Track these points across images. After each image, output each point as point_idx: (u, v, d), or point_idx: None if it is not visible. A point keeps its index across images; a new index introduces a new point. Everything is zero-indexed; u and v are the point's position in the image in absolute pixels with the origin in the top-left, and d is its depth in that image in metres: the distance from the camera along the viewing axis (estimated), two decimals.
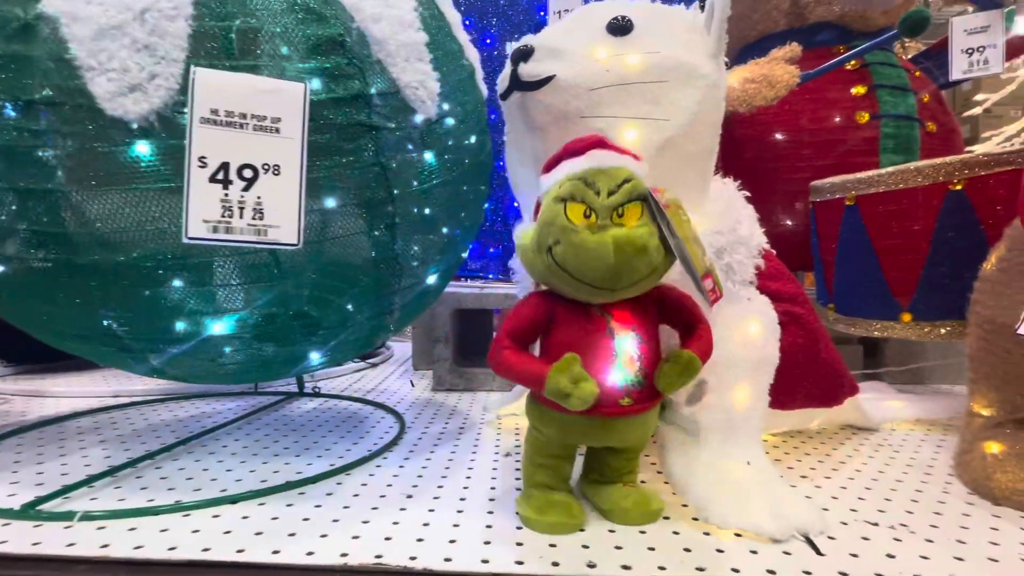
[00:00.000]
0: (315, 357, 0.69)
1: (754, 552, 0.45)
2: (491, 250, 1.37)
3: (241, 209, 0.46)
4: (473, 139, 0.68)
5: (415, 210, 0.59)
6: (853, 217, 0.91)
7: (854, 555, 0.44)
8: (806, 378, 0.63)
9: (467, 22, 1.32)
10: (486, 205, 1.34)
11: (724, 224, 0.58)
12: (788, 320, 0.61)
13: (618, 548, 0.45)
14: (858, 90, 1.16)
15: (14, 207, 0.46)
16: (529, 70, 0.52)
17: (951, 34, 1.15)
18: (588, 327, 0.47)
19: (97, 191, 0.46)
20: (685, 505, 0.53)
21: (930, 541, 0.47)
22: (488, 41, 1.33)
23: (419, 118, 0.57)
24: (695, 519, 0.50)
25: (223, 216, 0.46)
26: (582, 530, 0.48)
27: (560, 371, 0.44)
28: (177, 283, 0.50)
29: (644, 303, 0.49)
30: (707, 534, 0.48)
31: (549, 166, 0.49)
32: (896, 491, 0.58)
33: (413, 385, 1.11)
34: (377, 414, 0.88)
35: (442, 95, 0.60)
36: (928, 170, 0.80)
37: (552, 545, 0.46)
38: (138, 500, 0.54)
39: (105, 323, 0.54)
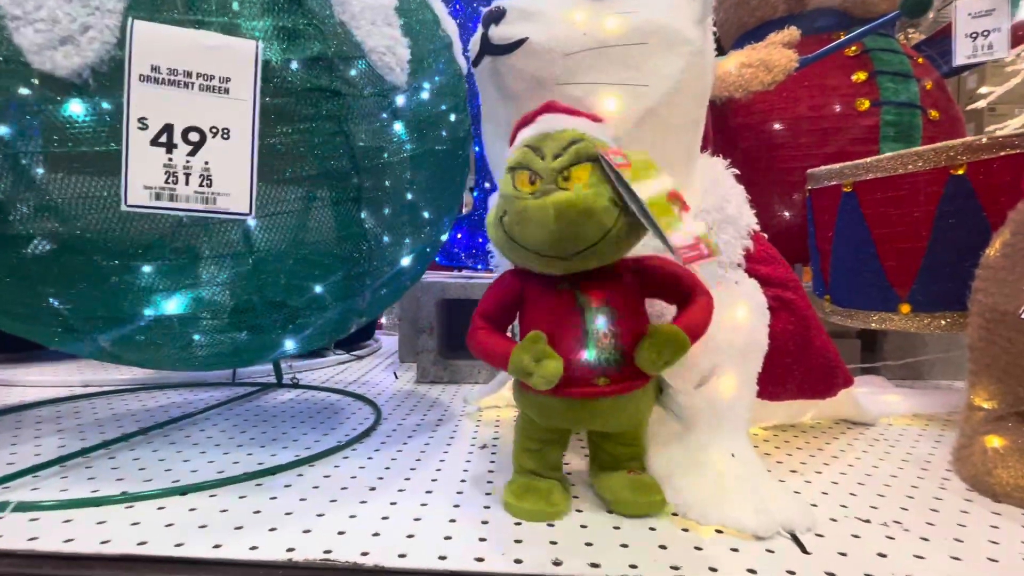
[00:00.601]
0: (289, 344, 0.66)
1: (735, 550, 0.41)
2: (480, 240, 1.34)
3: (187, 175, 0.43)
4: (450, 113, 0.65)
5: (384, 184, 0.56)
6: (851, 204, 0.87)
7: (843, 554, 0.41)
8: (797, 367, 0.60)
9: (457, 7, 1.28)
10: (476, 194, 1.31)
11: (710, 202, 0.54)
12: (778, 305, 0.57)
13: (588, 545, 0.42)
14: (858, 76, 1.13)
15: None
16: (500, 33, 0.48)
17: (954, 17, 1.11)
18: (557, 303, 0.45)
19: (27, 155, 0.42)
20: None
21: (925, 539, 0.44)
22: (477, 25, 1.29)
23: (387, 86, 0.54)
24: (674, 515, 0.47)
25: (167, 182, 0.42)
26: (563, 518, 0.46)
27: (523, 349, 0.42)
28: (120, 257, 0.47)
29: (620, 275, 0.46)
30: (686, 530, 0.44)
31: (511, 139, 0.47)
32: (890, 487, 0.54)
33: (397, 377, 1.08)
34: (355, 405, 0.85)
35: (414, 63, 0.56)
36: (929, 155, 0.77)
37: (517, 541, 0.42)
38: (82, 491, 0.50)
39: (49, 302, 0.50)
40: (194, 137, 0.42)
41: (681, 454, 0.50)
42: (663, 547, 0.42)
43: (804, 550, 0.41)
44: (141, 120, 0.40)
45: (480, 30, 0.51)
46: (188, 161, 0.42)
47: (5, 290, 0.47)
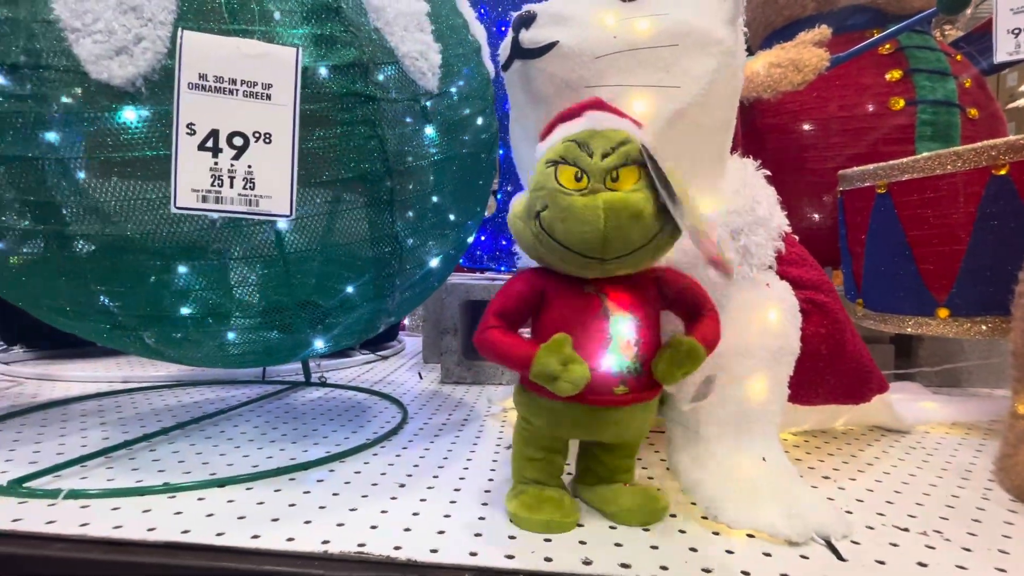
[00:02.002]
0: (319, 344, 0.68)
1: (767, 555, 0.41)
2: (504, 242, 1.35)
3: (231, 178, 0.45)
4: (478, 117, 0.66)
5: (414, 187, 0.57)
6: (885, 206, 0.85)
7: (880, 562, 0.40)
8: (830, 371, 0.58)
9: (481, 11, 1.30)
10: (499, 197, 1.31)
11: (741, 203, 0.54)
12: (811, 308, 0.56)
13: (617, 545, 0.42)
14: (893, 75, 1.10)
15: (3, 176, 0.46)
16: (531, 36, 0.49)
17: (995, 12, 1.07)
18: (581, 307, 0.43)
19: (84, 160, 0.45)
20: (693, 503, 0.49)
21: (967, 550, 0.42)
22: (503, 29, 1.31)
23: (419, 91, 0.55)
24: (704, 518, 0.47)
25: (212, 185, 0.44)
26: (580, 525, 0.45)
27: (549, 352, 0.40)
28: (168, 256, 0.49)
29: (644, 284, 0.45)
30: (716, 534, 0.44)
31: (545, 133, 0.46)
32: (929, 496, 0.53)
33: (421, 377, 1.09)
34: (381, 404, 0.86)
35: (444, 68, 0.58)
36: (969, 155, 0.75)
37: (547, 540, 0.42)
38: (127, 480, 0.52)
39: (101, 300, 0.53)
40: (238, 142, 0.44)
41: (711, 458, 0.50)
42: (694, 549, 0.41)
43: (840, 557, 0.40)
44: (189, 126, 0.42)
45: (510, 34, 0.51)
46: (232, 165, 0.44)
47: (59, 289, 0.50)
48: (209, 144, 0.43)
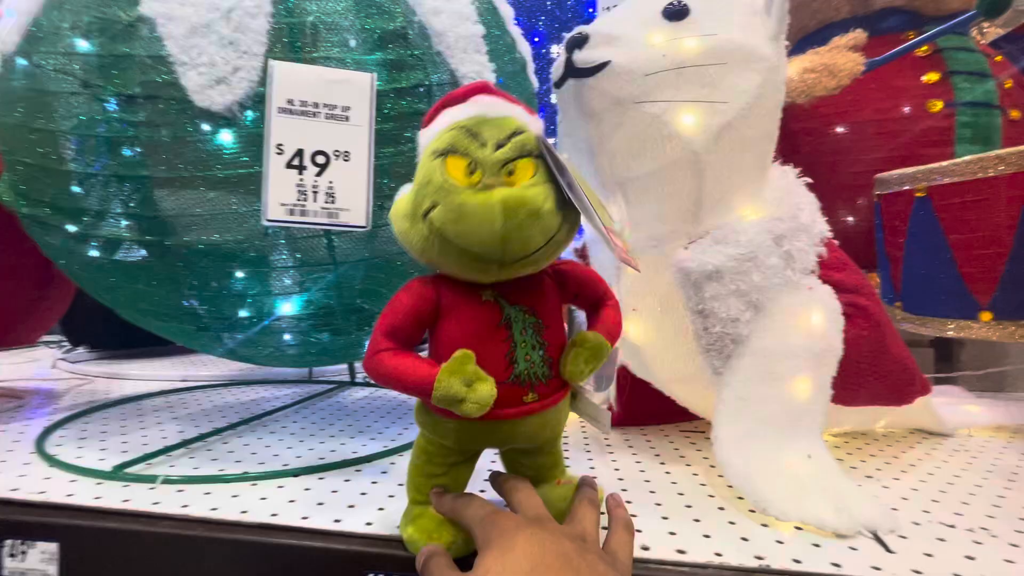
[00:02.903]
0: None
1: (816, 545, 0.43)
2: None
3: (315, 193, 0.50)
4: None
5: None
6: (924, 209, 0.85)
7: (928, 555, 0.42)
8: (872, 373, 0.60)
9: (515, 20, 1.34)
10: None
11: (784, 211, 0.56)
12: (853, 311, 0.58)
13: (671, 534, 0.44)
14: (930, 77, 1.09)
15: (114, 194, 0.51)
16: (584, 57, 0.52)
17: None
18: (481, 315, 0.38)
19: (186, 177, 0.50)
20: (740, 498, 0.51)
21: (1015, 546, 0.44)
22: (536, 39, 1.34)
23: None
24: (752, 511, 0.49)
25: (298, 199, 0.49)
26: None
27: (451, 372, 0.36)
28: (252, 265, 0.54)
29: (542, 281, 0.41)
30: (765, 526, 0.46)
31: (428, 120, 0.40)
32: (975, 496, 0.54)
33: None
34: None
35: (498, 86, 0.61)
36: (1012, 157, 0.75)
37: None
38: (210, 469, 0.57)
39: (185, 303, 0.58)
40: (320, 160, 0.49)
41: (757, 455, 0.52)
42: (745, 539, 0.44)
43: (888, 549, 0.42)
44: (278, 146, 0.47)
45: (563, 54, 0.55)
46: (316, 181, 0.49)
47: (155, 294, 0.55)
48: (295, 162, 0.48)
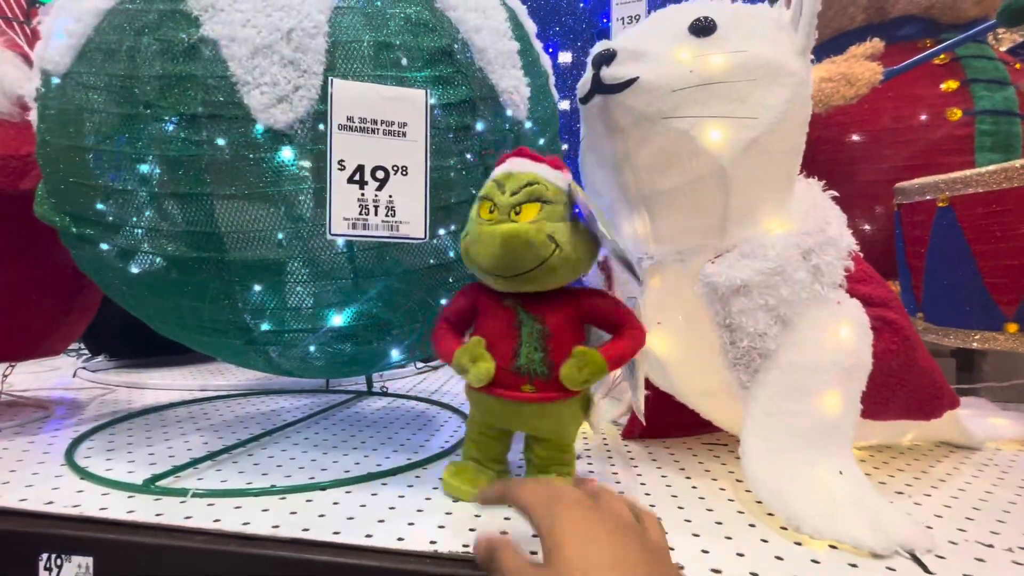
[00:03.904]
0: (395, 354, 0.72)
1: (853, 566, 0.42)
2: None
3: (376, 207, 0.51)
4: (549, 140, 0.70)
5: None
6: (947, 219, 0.85)
7: None
8: (902, 387, 0.59)
9: (551, 50, 1.35)
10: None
11: (811, 224, 0.56)
12: (881, 325, 0.57)
13: (704, 552, 0.44)
14: (948, 85, 1.09)
15: (175, 211, 0.52)
16: (612, 73, 0.52)
17: None
18: (501, 316, 0.52)
19: (248, 193, 0.51)
20: (771, 514, 0.51)
21: None
22: (550, 50, 1.35)
23: (513, 121, 0.60)
24: (784, 528, 0.48)
25: (360, 214, 0.51)
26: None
27: (464, 351, 0.51)
28: (309, 280, 0.55)
29: (560, 300, 0.52)
30: (799, 544, 0.46)
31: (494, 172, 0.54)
32: (1010, 513, 0.53)
33: None
34: (444, 414, 0.90)
35: (529, 100, 0.62)
36: None
37: None
38: (238, 482, 0.58)
39: (237, 317, 0.58)
40: (380, 175, 0.51)
41: (787, 471, 0.51)
42: (780, 558, 0.43)
43: (926, 570, 0.42)
44: (340, 162, 0.49)
45: (590, 71, 0.55)
46: (376, 195, 0.51)
47: (206, 309, 0.56)
48: (356, 177, 0.50)
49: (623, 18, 1.22)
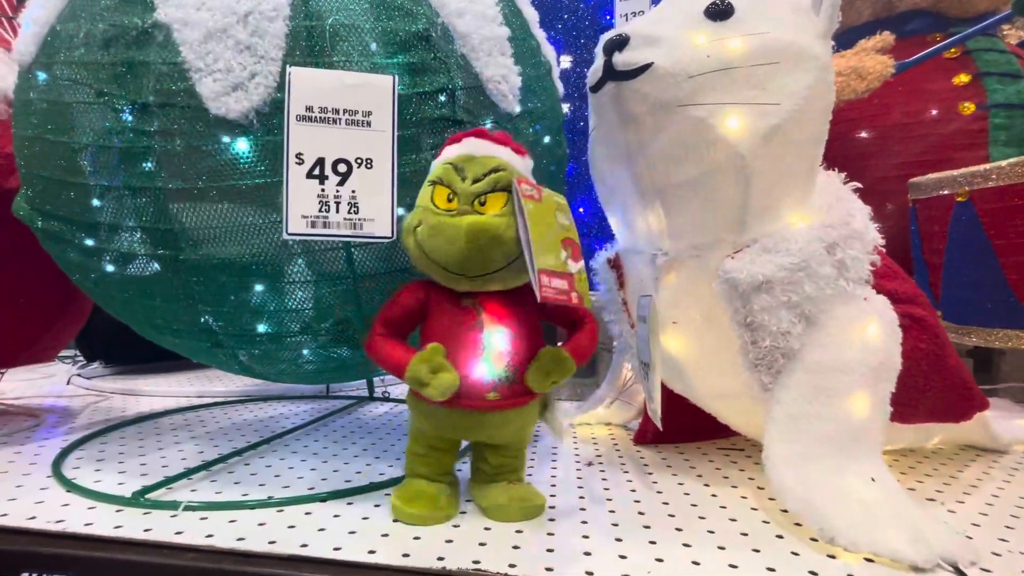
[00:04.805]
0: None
1: None
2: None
3: (337, 203, 0.47)
4: (549, 135, 0.67)
5: None
6: (966, 214, 0.82)
7: None
8: (931, 388, 0.56)
9: (556, 45, 1.32)
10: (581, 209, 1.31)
11: (835, 217, 0.53)
12: (909, 323, 0.55)
13: (732, 567, 0.41)
14: (960, 79, 1.07)
15: (129, 206, 0.49)
16: (625, 59, 0.50)
17: None
18: (458, 318, 0.47)
19: (201, 189, 0.48)
20: (798, 524, 0.48)
21: None
22: (552, 46, 1.33)
23: (502, 113, 0.57)
24: (814, 539, 0.45)
25: (320, 211, 0.47)
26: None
27: (421, 360, 0.44)
28: (268, 279, 0.51)
29: (520, 298, 0.48)
30: (832, 557, 0.43)
31: (438, 153, 0.49)
32: None
33: None
34: None
35: (522, 90, 0.59)
36: None
37: (659, 560, 0.42)
38: (233, 493, 0.55)
39: (203, 319, 0.56)
40: (342, 168, 0.47)
41: (816, 478, 0.48)
42: (813, 573, 0.40)
43: None
44: (298, 156, 0.45)
45: (601, 57, 0.52)
46: (338, 191, 0.47)
47: (169, 310, 0.53)
48: (316, 172, 0.46)
49: (626, 15, 1.20)
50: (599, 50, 0.53)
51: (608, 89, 0.52)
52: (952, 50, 1.09)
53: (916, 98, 1.10)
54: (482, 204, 0.44)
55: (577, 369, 0.48)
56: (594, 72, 0.54)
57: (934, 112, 1.08)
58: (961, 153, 1.05)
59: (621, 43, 0.50)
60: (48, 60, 0.54)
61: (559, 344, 0.50)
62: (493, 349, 0.46)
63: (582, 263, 0.45)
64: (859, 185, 0.58)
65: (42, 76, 0.54)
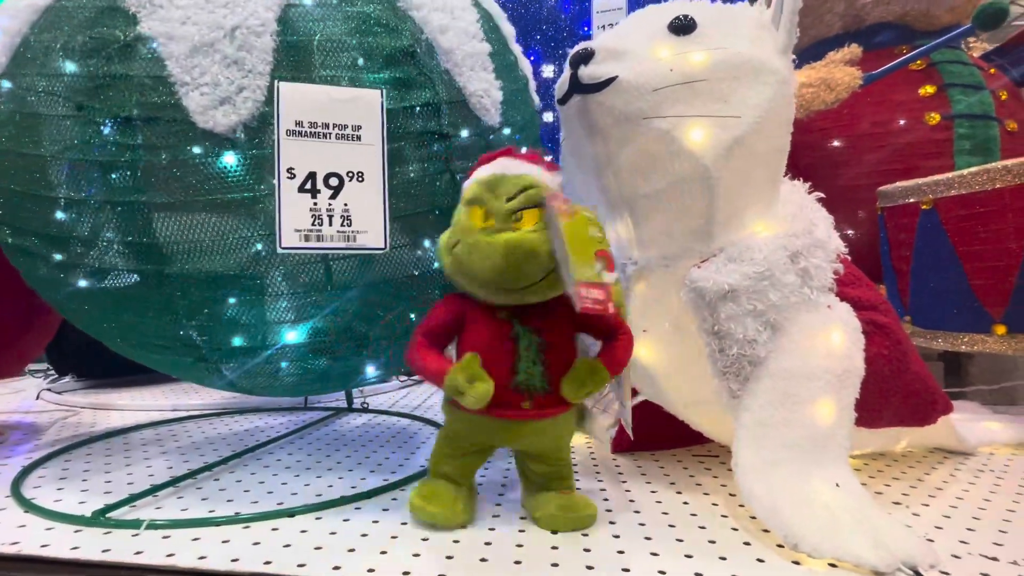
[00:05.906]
0: (370, 371, 0.69)
1: None
2: None
3: (330, 217, 0.48)
4: (527, 147, 0.68)
5: None
6: (931, 222, 0.84)
7: None
8: (894, 393, 0.57)
9: (533, 58, 1.34)
10: None
11: (798, 226, 0.54)
12: (872, 329, 0.56)
13: (698, 575, 0.41)
14: (926, 90, 1.10)
15: (110, 220, 0.48)
16: (591, 72, 0.51)
17: None
18: (494, 330, 0.48)
19: (186, 203, 0.47)
20: (766, 531, 0.48)
21: None
22: (531, 58, 1.34)
23: (483, 126, 0.57)
24: (780, 546, 0.46)
25: (313, 224, 0.48)
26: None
27: (459, 370, 0.46)
28: (255, 293, 0.51)
29: (555, 310, 0.49)
30: (797, 563, 0.43)
31: (470, 173, 0.51)
32: (1011, 523, 0.51)
33: None
34: (426, 430, 0.87)
35: (503, 104, 0.60)
36: (1019, 168, 0.74)
37: (625, 570, 0.42)
38: (199, 510, 0.54)
39: (182, 333, 0.55)
40: (334, 182, 0.48)
41: (783, 484, 0.49)
42: None
43: None
44: (289, 170, 0.46)
45: (567, 70, 0.53)
46: (330, 204, 0.47)
47: (150, 325, 0.52)
48: (308, 186, 0.46)
49: (604, 26, 1.22)
50: (566, 64, 0.54)
51: (575, 102, 0.53)
52: (918, 62, 1.12)
53: (884, 108, 1.12)
54: (516, 221, 0.46)
55: (612, 380, 0.49)
56: (561, 85, 0.55)
57: (901, 122, 1.11)
58: (927, 162, 1.08)
59: (587, 57, 0.51)
60: (19, 71, 0.53)
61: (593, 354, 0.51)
62: (527, 360, 0.47)
63: (616, 274, 0.46)
64: (822, 195, 0.60)
65: (11, 87, 0.53)
